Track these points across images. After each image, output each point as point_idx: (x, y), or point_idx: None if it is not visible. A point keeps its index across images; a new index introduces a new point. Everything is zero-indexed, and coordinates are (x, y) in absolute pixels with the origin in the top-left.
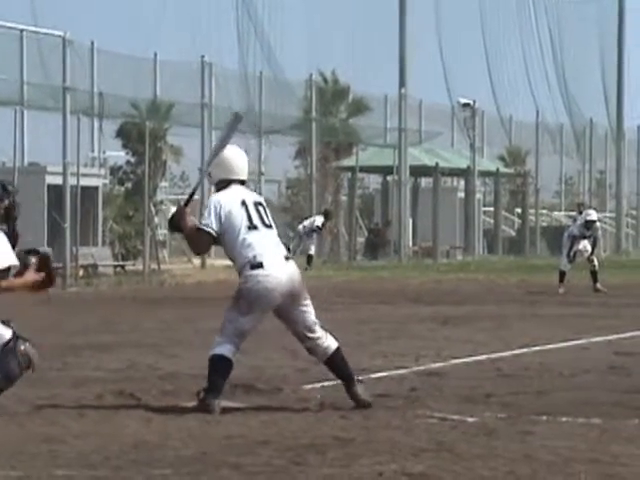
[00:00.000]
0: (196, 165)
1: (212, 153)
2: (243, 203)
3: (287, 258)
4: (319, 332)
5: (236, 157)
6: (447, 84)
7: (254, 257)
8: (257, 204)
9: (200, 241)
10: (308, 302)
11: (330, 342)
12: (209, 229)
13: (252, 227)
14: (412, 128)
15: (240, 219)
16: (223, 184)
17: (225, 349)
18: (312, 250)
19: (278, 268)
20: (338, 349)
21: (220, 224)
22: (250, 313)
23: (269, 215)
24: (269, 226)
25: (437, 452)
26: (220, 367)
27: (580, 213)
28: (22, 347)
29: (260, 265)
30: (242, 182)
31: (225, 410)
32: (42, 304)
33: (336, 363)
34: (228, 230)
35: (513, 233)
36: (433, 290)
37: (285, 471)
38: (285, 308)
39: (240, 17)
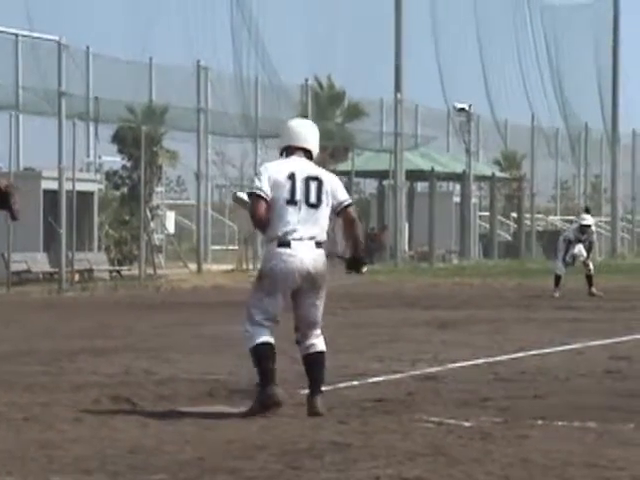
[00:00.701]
0: (192, 170)
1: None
2: (291, 176)
3: (319, 245)
4: (316, 331)
5: (298, 124)
6: (443, 88)
7: (284, 234)
8: (310, 179)
9: (255, 207)
10: (322, 298)
11: (317, 342)
12: (260, 192)
13: (291, 202)
14: (408, 132)
15: (282, 191)
16: (284, 152)
17: (261, 336)
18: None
19: (305, 250)
20: (322, 353)
21: (270, 188)
22: (273, 292)
23: (322, 192)
24: (313, 205)
25: (433, 456)
26: (263, 354)
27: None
28: None
29: (288, 244)
30: (307, 152)
31: (222, 415)
32: (39, 309)
33: (312, 364)
34: (271, 198)
35: (509, 237)
36: (429, 294)
37: (282, 475)
38: (300, 293)
39: (234, 22)
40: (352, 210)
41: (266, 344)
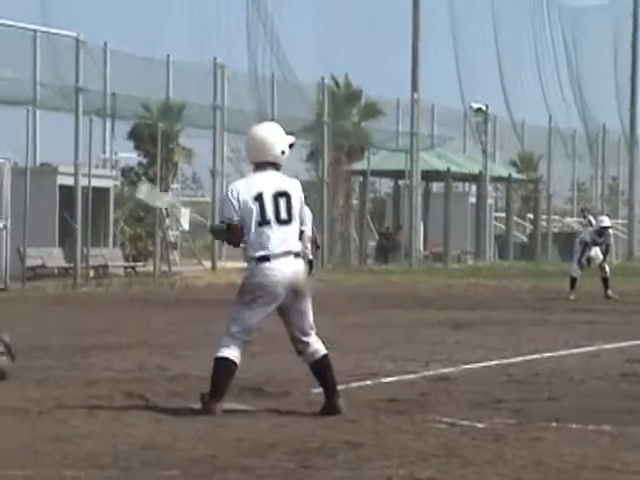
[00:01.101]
0: (207, 167)
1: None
2: (258, 197)
3: (297, 255)
4: (312, 337)
5: (256, 137)
6: (460, 88)
7: (260, 254)
8: (278, 195)
9: (231, 236)
10: (309, 304)
11: (319, 347)
12: (232, 221)
13: (263, 223)
14: (424, 132)
15: (251, 214)
16: (255, 167)
17: (230, 351)
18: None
19: (284, 263)
20: (326, 356)
21: (240, 210)
22: (254, 306)
23: (292, 207)
24: (284, 221)
25: (446, 457)
26: (223, 370)
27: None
28: None
29: (267, 259)
30: (273, 165)
31: (234, 413)
32: (53, 304)
33: (321, 369)
34: (243, 222)
35: (524, 239)
36: (444, 295)
37: (294, 474)
38: (287, 305)
39: (250, 19)
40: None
41: (228, 360)
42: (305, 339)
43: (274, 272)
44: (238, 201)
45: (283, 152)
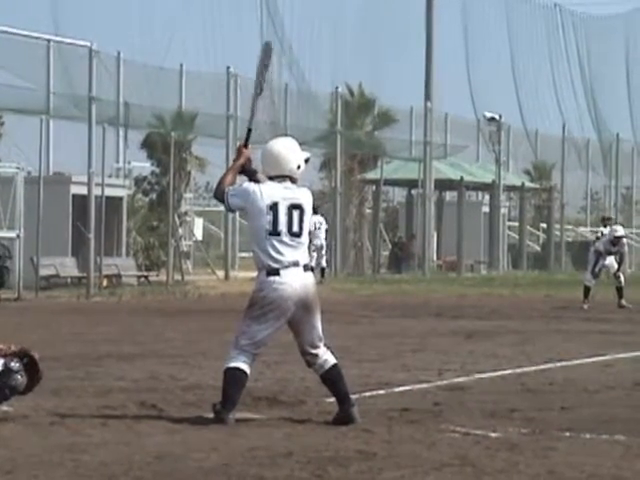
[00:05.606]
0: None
1: (254, 94)
2: (272, 207)
3: (306, 268)
4: (321, 348)
5: (274, 151)
6: (473, 98)
7: (271, 264)
8: (292, 207)
9: (218, 191)
10: (319, 317)
11: (328, 357)
12: (229, 199)
13: (274, 233)
14: (437, 142)
15: (264, 223)
16: (270, 179)
17: (239, 362)
18: (324, 262)
19: (294, 277)
20: (335, 365)
21: (239, 207)
22: (263, 321)
23: (304, 221)
24: (296, 234)
25: (460, 467)
26: (234, 380)
27: (605, 227)
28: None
29: (276, 272)
30: (289, 177)
31: (248, 422)
32: (67, 313)
33: (332, 379)
34: (252, 227)
35: (538, 248)
36: (457, 304)
37: None
38: (297, 319)
39: (265, 30)
40: None
41: (239, 370)
42: (314, 351)
43: (284, 287)
44: (248, 200)
45: (299, 167)
